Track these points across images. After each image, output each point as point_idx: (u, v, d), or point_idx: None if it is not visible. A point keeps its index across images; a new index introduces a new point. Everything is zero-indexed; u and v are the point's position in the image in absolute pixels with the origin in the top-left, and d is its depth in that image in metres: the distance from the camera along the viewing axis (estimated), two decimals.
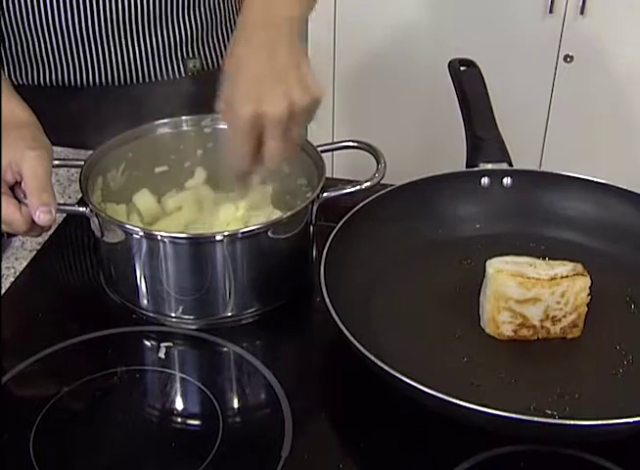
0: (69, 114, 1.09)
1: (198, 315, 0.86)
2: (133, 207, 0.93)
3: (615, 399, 0.75)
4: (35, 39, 1.08)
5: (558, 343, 0.81)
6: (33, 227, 0.82)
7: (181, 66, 1.14)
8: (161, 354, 0.82)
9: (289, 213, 0.85)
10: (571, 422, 0.67)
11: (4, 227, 0.82)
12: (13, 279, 0.91)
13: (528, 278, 0.79)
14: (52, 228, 0.94)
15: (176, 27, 1.11)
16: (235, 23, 1.16)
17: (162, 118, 0.96)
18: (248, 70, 0.81)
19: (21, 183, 0.81)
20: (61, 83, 1.12)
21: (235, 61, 0.83)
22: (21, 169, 0.80)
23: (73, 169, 1.06)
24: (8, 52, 1.10)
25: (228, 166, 0.84)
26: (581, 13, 1.99)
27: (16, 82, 1.11)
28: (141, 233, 0.82)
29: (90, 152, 0.92)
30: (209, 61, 1.16)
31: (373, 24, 2.10)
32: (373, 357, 0.71)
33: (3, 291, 0.89)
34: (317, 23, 2.08)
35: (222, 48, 1.17)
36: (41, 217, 0.79)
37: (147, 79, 1.13)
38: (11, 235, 0.96)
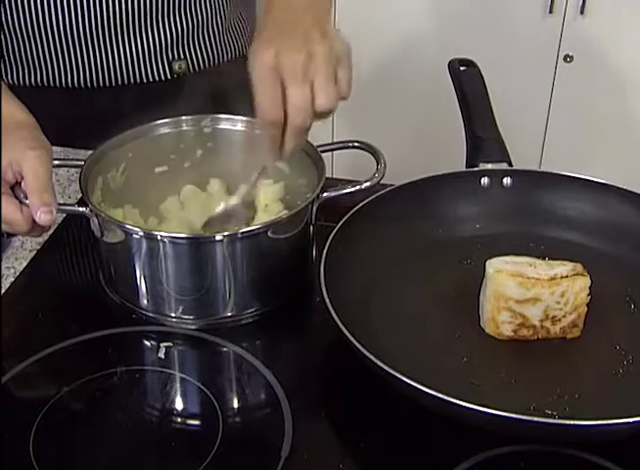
0: (57, 115, 1.09)
1: (198, 315, 0.86)
2: (129, 212, 0.93)
3: (614, 399, 0.75)
4: (22, 40, 1.08)
5: (558, 343, 0.81)
6: (34, 227, 0.81)
7: (167, 68, 1.14)
8: (161, 354, 0.82)
9: (289, 213, 0.85)
10: (571, 422, 0.67)
11: (5, 227, 0.82)
12: (13, 279, 0.91)
13: (528, 278, 0.79)
14: (52, 228, 0.94)
15: (161, 30, 1.11)
16: (221, 25, 1.17)
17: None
18: (272, 26, 0.83)
19: (21, 183, 0.81)
20: (46, 84, 1.12)
21: (261, 23, 0.86)
22: (21, 169, 0.80)
23: (73, 169, 1.06)
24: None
25: (260, 126, 0.83)
26: (581, 13, 1.99)
27: (9, 83, 1.11)
28: (141, 233, 0.82)
29: (90, 152, 0.92)
30: (195, 63, 1.16)
31: (373, 24, 2.10)
32: (373, 357, 0.71)
33: (3, 291, 0.89)
34: None
35: (208, 50, 1.17)
36: (42, 217, 0.79)
37: (132, 81, 1.13)
38: (11, 235, 0.96)
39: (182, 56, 1.15)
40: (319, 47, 0.80)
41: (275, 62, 0.78)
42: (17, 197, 0.81)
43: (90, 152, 0.92)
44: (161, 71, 1.14)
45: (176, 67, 1.14)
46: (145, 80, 1.14)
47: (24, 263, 0.94)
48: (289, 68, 0.78)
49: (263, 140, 0.82)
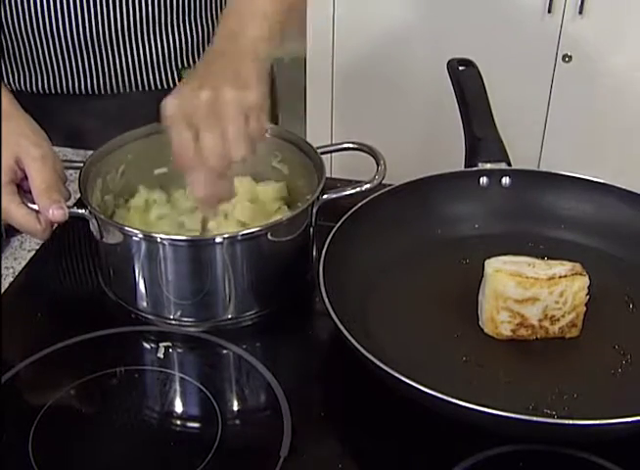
0: (62, 122, 1.09)
1: (197, 318, 0.86)
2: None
3: (613, 399, 0.75)
4: (28, 46, 1.09)
5: (557, 342, 0.81)
6: (49, 226, 0.83)
7: (175, 75, 1.14)
8: (160, 355, 0.82)
9: (289, 215, 0.85)
10: (570, 422, 0.67)
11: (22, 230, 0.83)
12: (12, 279, 0.91)
13: (527, 278, 0.79)
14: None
15: (171, 37, 1.11)
16: None
17: None
18: (195, 71, 0.82)
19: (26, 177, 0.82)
20: (54, 91, 1.12)
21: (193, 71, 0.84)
22: (25, 170, 0.81)
23: (72, 170, 1.06)
24: (5, 58, 1.10)
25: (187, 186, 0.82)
26: (580, 12, 1.99)
27: (14, 89, 1.11)
28: (140, 235, 0.82)
29: (90, 152, 0.92)
30: None
31: (371, 24, 2.10)
32: (372, 358, 0.71)
33: (2, 291, 0.89)
34: (316, 22, 2.08)
35: None
36: (55, 213, 0.81)
37: (139, 88, 1.13)
38: (10, 235, 0.96)
39: (191, 64, 1.14)
40: (228, 91, 0.77)
41: (184, 105, 0.77)
42: (24, 190, 0.82)
43: (90, 152, 0.92)
44: (170, 79, 1.14)
45: (185, 75, 1.14)
46: (152, 88, 1.14)
47: (23, 263, 0.94)
48: (197, 110, 0.76)
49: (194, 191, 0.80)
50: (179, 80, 1.15)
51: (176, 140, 0.77)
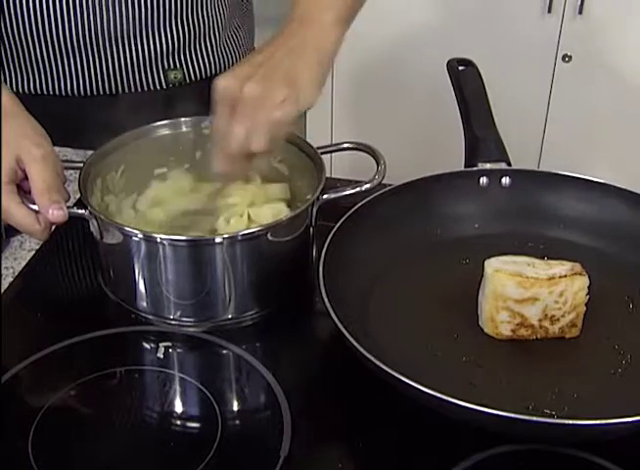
0: (54, 123, 1.09)
1: (197, 318, 0.86)
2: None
3: (613, 399, 0.75)
4: (20, 48, 1.09)
5: (556, 342, 0.81)
6: (48, 227, 0.83)
7: (162, 77, 1.14)
8: (160, 355, 0.82)
9: (289, 215, 0.85)
10: (570, 421, 0.67)
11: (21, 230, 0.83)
12: (12, 279, 0.91)
13: (527, 278, 0.79)
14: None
15: (157, 39, 1.11)
16: (218, 35, 1.17)
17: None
18: (257, 54, 0.84)
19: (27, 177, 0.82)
20: (44, 92, 1.12)
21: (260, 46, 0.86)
22: (26, 169, 0.81)
23: (72, 170, 1.06)
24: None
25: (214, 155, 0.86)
26: (580, 12, 1.99)
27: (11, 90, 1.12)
28: (140, 235, 0.82)
29: (89, 152, 0.92)
30: (192, 72, 1.16)
31: (372, 24, 2.09)
32: (372, 357, 0.71)
33: (2, 291, 0.89)
34: None
35: (205, 60, 1.17)
36: (54, 214, 0.81)
37: (127, 90, 1.13)
38: (10, 235, 0.96)
39: (177, 65, 1.14)
40: (275, 90, 0.79)
41: (235, 90, 0.80)
42: (24, 191, 0.82)
43: (89, 152, 0.92)
44: (156, 80, 1.14)
45: (172, 76, 1.14)
46: (140, 89, 1.14)
47: (23, 263, 0.94)
48: (240, 98, 0.80)
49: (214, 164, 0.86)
50: (166, 82, 1.15)
51: (215, 119, 0.83)
